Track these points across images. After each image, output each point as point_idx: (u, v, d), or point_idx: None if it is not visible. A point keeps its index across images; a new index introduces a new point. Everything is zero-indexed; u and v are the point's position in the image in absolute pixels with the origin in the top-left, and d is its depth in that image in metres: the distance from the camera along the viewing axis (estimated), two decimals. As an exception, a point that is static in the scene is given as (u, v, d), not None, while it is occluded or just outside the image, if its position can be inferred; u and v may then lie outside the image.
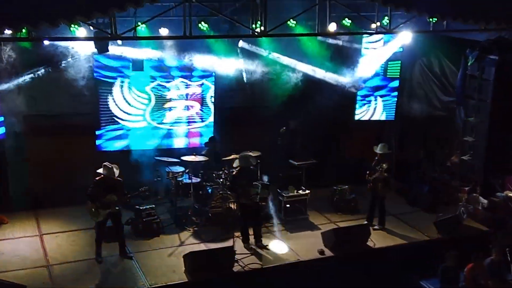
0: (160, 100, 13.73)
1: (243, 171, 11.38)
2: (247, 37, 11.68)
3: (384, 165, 12.12)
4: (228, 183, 11.86)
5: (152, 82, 13.52)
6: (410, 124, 14.99)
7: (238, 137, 13.74)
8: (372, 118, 15.34)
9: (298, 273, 10.89)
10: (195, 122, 14.17)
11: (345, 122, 15.06)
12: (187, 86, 13.87)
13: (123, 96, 13.38)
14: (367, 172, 12.38)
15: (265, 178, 12.21)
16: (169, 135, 14.04)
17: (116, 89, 13.25)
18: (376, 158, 12.34)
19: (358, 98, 15.11)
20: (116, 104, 13.35)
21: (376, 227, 12.42)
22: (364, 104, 15.20)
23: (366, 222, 12.48)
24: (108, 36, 9.75)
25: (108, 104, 13.25)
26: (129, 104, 13.50)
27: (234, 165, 11.77)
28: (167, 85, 13.67)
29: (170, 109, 13.88)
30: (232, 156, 12.33)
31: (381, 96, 15.17)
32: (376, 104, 15.20)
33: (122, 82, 13.26)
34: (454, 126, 13.56)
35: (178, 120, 14.02)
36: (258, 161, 12.09)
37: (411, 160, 14.82)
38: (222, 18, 11.23)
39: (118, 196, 10.51)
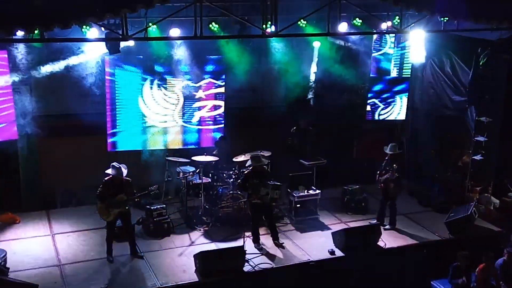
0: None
1: (255, 171, 11.38)
2: (258, 37, 11.65)
3: (395, 165, 12.09)
4: (239, 181, 11.88)
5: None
6: (421, 124, 14.92)
7: (248, 137, 13.73)
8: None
9: (308, 273, 10.89)
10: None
11: (356, 122, 15.01)
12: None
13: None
14: (378, 172, 12.37)
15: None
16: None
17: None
18: (387, 158, 12.31)
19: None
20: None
21: (387, 227, 12.37)
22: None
23: (376, 221, 12.45)
24: (119, 37, 9.78)
25: (122, 104, 13.26)
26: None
27: (246, 164, 11.77)
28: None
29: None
30: (243, 157, 12.34)
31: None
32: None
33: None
34: (466, 126, 13.49)
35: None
36: (269, 160, 12.08)
37: (422, 160, 14.76)
38: (233, 18, 11.23)
39: (127, 195, 10.56)
